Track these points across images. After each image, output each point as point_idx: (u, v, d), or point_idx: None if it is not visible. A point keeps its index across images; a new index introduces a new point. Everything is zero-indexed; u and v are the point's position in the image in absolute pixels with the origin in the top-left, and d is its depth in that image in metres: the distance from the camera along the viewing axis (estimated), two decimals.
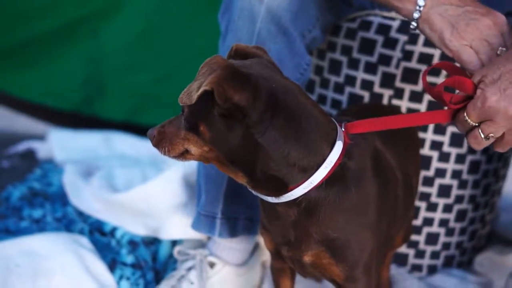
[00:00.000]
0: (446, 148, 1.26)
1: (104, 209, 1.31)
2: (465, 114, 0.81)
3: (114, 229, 1.28)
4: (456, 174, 1.29)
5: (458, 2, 0.91)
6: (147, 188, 1.27)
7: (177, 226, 1.20)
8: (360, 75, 1.26)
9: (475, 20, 0.88)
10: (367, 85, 1.26)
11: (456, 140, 1.26)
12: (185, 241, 1.24)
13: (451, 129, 1.25)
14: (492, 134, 0.81)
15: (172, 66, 1.99)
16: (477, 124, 0.81)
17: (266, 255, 1.34)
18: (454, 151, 1.27)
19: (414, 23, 0.92)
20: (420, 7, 0.90)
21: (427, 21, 0.91)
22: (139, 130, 2.00)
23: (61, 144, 1.78)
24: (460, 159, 1.28)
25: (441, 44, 0.90)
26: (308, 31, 1.11)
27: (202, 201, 1.12)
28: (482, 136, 0.81)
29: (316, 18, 1.12)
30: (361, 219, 0.85)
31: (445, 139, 1.26)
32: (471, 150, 1.28)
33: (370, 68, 1.25)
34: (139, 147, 1.85)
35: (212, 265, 1.16)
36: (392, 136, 0.95)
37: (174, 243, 1.27)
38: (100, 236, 1.28)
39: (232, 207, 1.11)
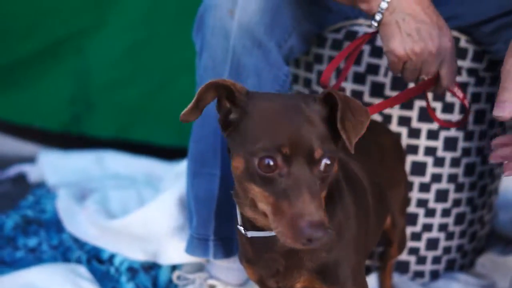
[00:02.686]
0: (440, 153, 1.26)
1: (101, 235, 1.30)
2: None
3: (112, 256, 1.27)
4: (452, 178, 1.29)
5: (417, 13, 0.93)
6: (144, 213, 1.25)
7: (176, 250, 1.18)
8: (349, 85, 1.25)
9: (421, 42, 0.93)
10: (356, 95, 1.25)
11: (449, 144, 1.26)
12: (185, 265, 1.23)
13: (444, 133, 1.25)
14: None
15: (159, 81, 1.97)
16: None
17: None
18: (448, 155, 1.26)
19: (374, 23, 0.95)
20: (382, 9, 0.93)
21: (384, 25, 0.94)
22: (129, 146, 1.99)
23: (52, 167, 1.76)
24: (455, 162, 1.27)
25: (386, 48, 0.96)
26: (284, 41, 1.09)
27: (194, 224, 1.11)
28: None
29: (292, 27, 1.11)
30: (346, 235, 0.83)
31: (439, 144, 1.25)
32: (465, 153, 1.27)
33: (359, 78, 1.24)
34: (133, 164, 1.84)
35: (212, 287, 1.15)
36: (357, 148, 0.95)
37: (174, 267, 1.25)
38: (98, 264, 1.26)
39: (225, 226, 1.10)
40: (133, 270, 1.24)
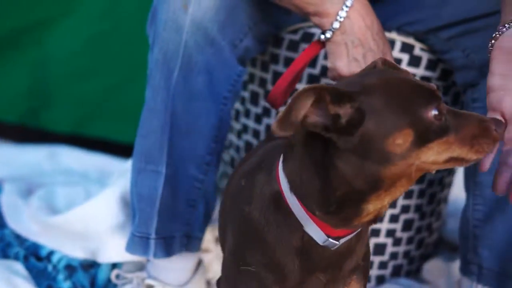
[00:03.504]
0: None
1: (42, 232, 1.26)
2: None
3: (50, 253, 1.23)
4: None
5: (366, 39, 0.94)
6: (84, 209, 1.22)
7: (115, 249, 1.16)
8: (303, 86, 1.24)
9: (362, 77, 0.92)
10: None
11: None
12: (125, 264, 1.20)
13: None
14: None
15: (121, 75, 1.93)
16: None
17: (211, 273, 1.31)
18: None
19: (323, 39, 0.95)
20: (334, 28, 0.93)
21: (334, 43, 0.94)
22: (87, 142, 1.94)
23: (3, 160, 1.71)
24: None
25: (331, 65, 0.96)
26: (238, 40, 1.08)
27: (136, 222, 1.08)
28: None
29: (248, 27, 1.09)
30: None
31: None
32: None
33: (313, 80, 1.23)
34: (86, 160, 1.79)
35: (150, 287, 1.12)
36: None
37: (114, 265, 1.22)
38: (36, 261, 1.22)
39: (167, 225, 1.08)
40: (71, 268, 1.20)
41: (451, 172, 1.39)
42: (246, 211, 0.78)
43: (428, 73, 1.21)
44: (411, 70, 1.21)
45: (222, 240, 0.91)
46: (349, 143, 0.68)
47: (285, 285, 0.77)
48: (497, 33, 0.79)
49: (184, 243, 1.11)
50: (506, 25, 0.77)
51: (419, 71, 1.21)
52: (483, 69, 1.05)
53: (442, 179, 1.36)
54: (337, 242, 0.73)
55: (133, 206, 1.09)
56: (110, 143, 1.90)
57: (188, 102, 1.03)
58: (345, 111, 0.68)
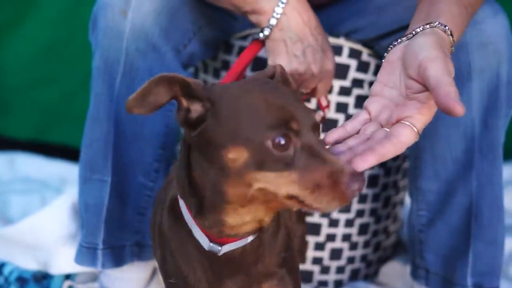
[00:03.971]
0: None
1: None
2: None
3: (2, 265, 1.21)
4: None
5: (304, 35, 0.94)
6: (35, 220, 1.20)
7: (67, 260, 1.14)
8: None
9: (306, 64, 0.95)
10: None
11: None
12: (79, 275, 1.19)
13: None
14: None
15: (80, 81, 1.90)
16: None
17: None
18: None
19: (262, 36, 0.96)
20: (271, 25, 0.93)
21: (272, 40, 0.95)
22: (47, 149, 1.92)
23: None
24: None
25: (271, 62, 0.97)
26: (182, 46, 1.07)
27: (83, 232, 1.07)
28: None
29: (192, 32, 1.09)
30: None
31: None
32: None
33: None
34: (46, 168, 1.77)
35: None
36: None
37: (68, 276, 1.21)
38: None
39: (115, 234, 1.07)
40: (22, 280, 1.18)
41: (405, 176, 1.41)
42: (159, 221, 0.79)
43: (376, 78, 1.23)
44: (360, 75, 1.22)
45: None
46: (194, 139, 0.69)
47: None
48: (392, 44, 0.81)
49: (135, 252, 1.10)
50: (400, 39, 0.80)
51: (368, 77, 1.23)
52: None
53: (396, 182, 1.38)
54: (219, 248, 0.72)
55: (81, 216, 1.08)
56: (70, 149, 1.88)
57: None
58: (195, 108, 0.69)
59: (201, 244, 0.73)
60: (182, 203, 0.74)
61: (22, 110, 1.92)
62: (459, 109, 0.66)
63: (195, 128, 0.69)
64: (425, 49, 0.73)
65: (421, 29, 0.77)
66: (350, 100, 1.24)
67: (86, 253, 1.06)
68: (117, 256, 1.07)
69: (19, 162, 1.78)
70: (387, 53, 0.81)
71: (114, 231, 1.07)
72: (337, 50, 1.20)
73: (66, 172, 1.74)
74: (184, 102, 0.70)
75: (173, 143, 1.12)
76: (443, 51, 0.73)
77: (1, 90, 1.91)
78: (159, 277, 1.23)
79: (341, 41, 1.20)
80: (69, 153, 1.86)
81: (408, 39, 0.78)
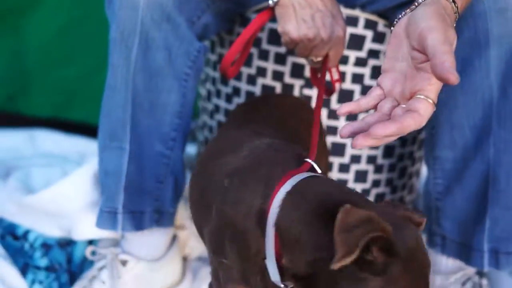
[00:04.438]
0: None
1: (18, 212, 1.27)
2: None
3: (27, 232, 1.25)
4: (371, 159, 1.32)
5: (313, 0, 0.95)
6: (58, 188, 1.24)
7: (89, 226, 1.17)
8: (271, 66, 1.26)
9: (315, 29, 0.96)
10: (278, 76, 1.26)
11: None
12: (101, 241, 1.23)
13: (362, 114, 1.27)
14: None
15: (98, 59, 1.93)
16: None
17: (187, 249, 1.34)
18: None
19: (271, 3, 0.98)
20: None
21: (281, 6, 0.96)
22: (66, 126, 1.96)
23: None
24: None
25: (281, 29, 0.99)
26: (196, 17, 1.09)
27: (103, 198, 1.11)
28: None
29: (206, 4, 1.10)
30: None
31: None
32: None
33: (280, 59, 1.25)
34: (65, 143, 1.81)
35: (124, 263, 1.14)
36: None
37: (91, 243, 1.25)
38: (13, 240, 1.24)
39: (135, 200, 1.10)
40: (47, 246, 1.22)
41: (421, 147, 1.42)
42: (228, 213, 0.73)
43: None
44: (376, 46, 1.23)
45: (199, 231, 0.88)
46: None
47: None
48: (397, 17, 0.81)
49: (154, 218, 1.13)
50: (404, 12, 0.80)
51: (384, 47, 1.23)
52: None
53: (412, 153, 1.39)
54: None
55: (101, 182, 1.12)
56: (89, 127, 1.91)
57: (149, 79, 1.05)
58: (378, 259, 0.60)
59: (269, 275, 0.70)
60: (270, 232, 0.68)
61: (42, 89, 1.96)
62: (452, 78, 0.66)
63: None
64: (424, 19, 0.73)
65: None
66: (366, 71, 1.25)
67: (106, 217, 1.10)
68: (137, 221, 1.11)
69: (39, 138, 1.82)
70: (393, 27, 0.81)
71: (133, 197, 1.10)
72: (353, 21, 1.20)
73: (86, 148, 1.78)
74: (375, 252, 0.60)
75: (189, 113, 1.15)
76: (443, 20, 0.73)
77: (22, 71, 1.95)
78: (179, 244, 1.26)
79: (356, 12, 1.21)
80: (88, 130, 1.90)
81: (411, 11, 0.78)
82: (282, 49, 1.25)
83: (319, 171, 0.75)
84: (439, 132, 1.11)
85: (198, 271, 1.27)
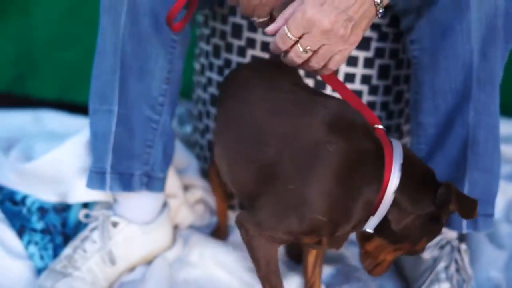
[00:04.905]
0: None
1: (18, 179, 1.33)
2: (285, 28, 0.87)
3: (25, 197, 1.30)
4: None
5: None
6: (54, 154, 1.29)
7: (83, 189, 1.22)
8: (259, 37, 1.30)
9: (252, 1, 0.95)
10: (267, 47, 1.30)
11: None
12: (95, 205, 1.27)
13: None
14: (309, 47, 0.88)
15: None
16: (297, 39, 0.88)
17: (179, 218, 1.37)
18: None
19: None
20: None
21: None
22: (73, 107, 2.01)
23: None
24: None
25: None
26: None
27: (93, 159, 1.15)
28: (301, 49, 0.88)
29: None
30: None
31: None
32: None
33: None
34: (70, 123, 1.86)
35: (115, 224, 1.19)
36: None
37: (86, 208, 1.29)
38: (12, 205, 1.30)
39: (124, 162, 1.14)
40: (43, 210, 1.27)
41: (408, 120, 1.44)
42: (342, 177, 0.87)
43: (377, 20, 1.26)
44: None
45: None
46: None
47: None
48: None
49: (144, 181, 1.17)
50: None
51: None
52: (420, 11, 1.10)
53: (399, 126, 1.41)
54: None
55: (91, 145, 1.16)
56: None
57: (137, 44, 1.09)
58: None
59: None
60: (388, 198, 0.89)
61: (48, 70, 2.02)
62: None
63: None
64: None
65: None
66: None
67: (95, 177, 1.14)
68: (125, 182, 1.15)
69: (45, 118, 1.88)
70: None
71: (121, 159, 1.14)
72: None
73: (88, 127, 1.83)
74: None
75: (178, 80, 1.19)
76: None
77: (29, 53, 2.02)
78: (170, 211, 1.30)
79: None
80: None
81: None
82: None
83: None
84: (422, 98, 1.14)
85: (189, 238, 1.31)
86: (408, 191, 0.87)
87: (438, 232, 0.92)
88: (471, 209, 0.85)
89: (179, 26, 1.00)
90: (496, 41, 1.06)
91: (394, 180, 0.86)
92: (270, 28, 0.90)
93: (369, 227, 0.90)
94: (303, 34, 0.87)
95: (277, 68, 1.10)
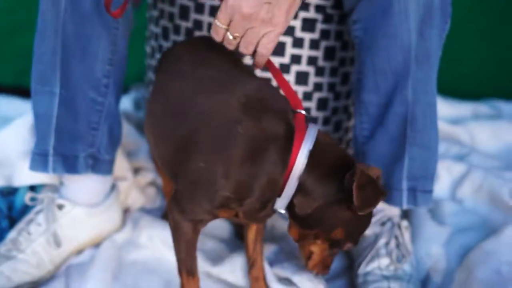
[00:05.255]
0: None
1: None
2: (216, 20, 0.91)
3: None
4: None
5: None
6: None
7: (27, 172, 1.21)
8: (206, 18, 1.30)
9: None
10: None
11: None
12: (41, 188, 1.27)
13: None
14: (237, 34, 0.92)
15: None
16: (227, 27, 0.92)
17: (129, 200, 1.38)
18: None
19: None
20: None
21: None
22: (29, 92, 1.98)
23: None
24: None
25: None
26: None
27: (36, 141, 1.15)
28: (230, 36, 0.92)
29: None
30: None
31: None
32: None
33: (216, 11, 1.28)
34: (25, 109, 1.84)
35: (60, 207, 1.19)
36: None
37: (33, 189, 1.28)
38: None
39: (67, 144, 1.14)
40: None
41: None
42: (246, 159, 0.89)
43: (321, 2, 1.27)
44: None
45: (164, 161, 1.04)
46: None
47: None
48: None
49: (90, 164, 1.17)
50: None
51: (312, 0, 1.27)
52: None
53: (347, 107, 1.43)
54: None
55: (34, 127, 1.15)
56: None
57: (78, 26, 1.08)
58: None
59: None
60: (293, 180, 0.91)
61: (5, 55, 1.99)
62: None
63: None
64: None
65: None
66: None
67: (38, 159, 1.14)
68: (69, 164, 1.15)
69: (0, 104, 1.86)
70: None
71: (65, 142, 1.14)
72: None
73: None
74: None
75: (122, 61, 1.18)
76: None
77: None
78: (119, 193, 1.30)
79: None
80: None
81: None
82: (216, 2, 1.28)
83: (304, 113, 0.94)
84: (364, 77, 1.16)
85: (139, 220, 1.31)
86: (315, 177, 0.88)
87: (357, 224, 0.91)
88: (370, 199, 0.84)
89: (118, 12, 1.00)
90: (433, 21, 1.09)
91: (299, 165, 0.88)
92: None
93: (279, 207, 0.92)
94: (230, 22, 0.90)
95: (215, 46, 1.12)
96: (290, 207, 0.92)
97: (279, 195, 0.91)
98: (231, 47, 0.94)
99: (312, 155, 0.88)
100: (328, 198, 0.88)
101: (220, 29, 0.92)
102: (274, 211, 0.94)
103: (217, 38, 0.94)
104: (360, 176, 0.84)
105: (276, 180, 0.90)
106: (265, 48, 0.93)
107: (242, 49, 0.93)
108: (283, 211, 0.93)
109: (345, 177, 0.86)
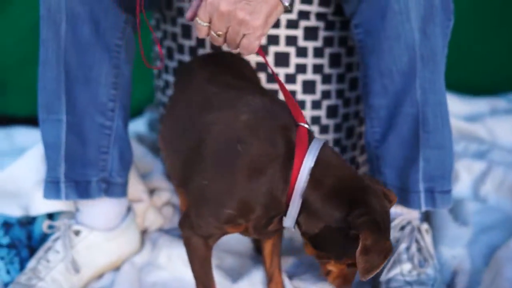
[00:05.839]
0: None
1: None
2: (197, 18, 0.92)
3: None
4: (315, 120, 1.33)
5: None
6: (13, 169, 1.30)
7: (42, 201, 1.23)
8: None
9: None
10: (216, 46, 1.30)
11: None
12: (59, 216, 1.28)
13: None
14: (219, 32, 0.92)
15: None
16: (209, 24, 0.92)
17: (147, 222, 1.38)
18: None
19: None
20: None
21: None
22: None
23: None
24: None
25: None
26: None
27: (47, 169, 1.16)
28: (214, 34, 0.92)
29: None
30: None
31: (299, 32, 1.27)
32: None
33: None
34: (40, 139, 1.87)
35: (77, 233, 1.19)
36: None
37: (51, 219, 1.30)
38: None
39: (78, 170, 1.15)
40: (8, 225, 1.28)
41: None
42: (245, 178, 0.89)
43: (322, 9, 1.27)
44: (305, 7, 1.26)
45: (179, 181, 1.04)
46: None
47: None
48: None
49: (102, 188, 1.18)
50: None
51: (313, 8, 1.26)
52: None
53: (358, 113, 1.42)
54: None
55: (45, 155, 1.17)
56: None
57: (80, 52, 1.10)
58: None
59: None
60: (297, 197, 0.89)
61: (18, 88, 2.03)
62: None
63: None
64: None
65: None
66: (299, 33, 1.28)
67: (50, 187, 1.15)
68: (82, 190, 1.16)
69: (17, 136, 1.89)
70: None
71: (76, 168, 1.15)
72: None
73: None
74: None
75: (127, 85, 1.19)
76: None
77: None
78: (135, 215, 1.30)
79: None
80: None
81: None
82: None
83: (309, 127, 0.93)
84: (370, 80, 1.14)
85: (157, 240, 1.31)
86: (318, 196, 0.87)
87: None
88: (374, 262, 0.81)
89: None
90: (435, 19, 1.07)
91: (301, 183, 0.87)
92: (187, 15, 0.94)
93: (287, 225, 0.92)
94: (211, 19, 0.91)
95: (225, 61, 1.13)
96: (299, 225, 0.91)
97: (285, 213, 0.90)
98: (217, 43, 0.94)
99: (314, 173, 0.88)
100: (332, 223, 0.87)
101: (202, 27, 0.92)
102: (283, 226, 0.94)
103: (200, 35, 0.94)
104: (365, 237, 0.82)
105: (278, 198, 0.89)
106: (246, 50, 0.92)
107: (228, 46, 0.94)
108: (293, 229, 0.92)
109: (351, 216, 0.84)
